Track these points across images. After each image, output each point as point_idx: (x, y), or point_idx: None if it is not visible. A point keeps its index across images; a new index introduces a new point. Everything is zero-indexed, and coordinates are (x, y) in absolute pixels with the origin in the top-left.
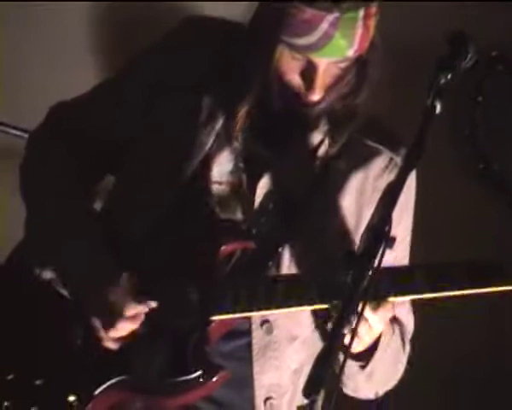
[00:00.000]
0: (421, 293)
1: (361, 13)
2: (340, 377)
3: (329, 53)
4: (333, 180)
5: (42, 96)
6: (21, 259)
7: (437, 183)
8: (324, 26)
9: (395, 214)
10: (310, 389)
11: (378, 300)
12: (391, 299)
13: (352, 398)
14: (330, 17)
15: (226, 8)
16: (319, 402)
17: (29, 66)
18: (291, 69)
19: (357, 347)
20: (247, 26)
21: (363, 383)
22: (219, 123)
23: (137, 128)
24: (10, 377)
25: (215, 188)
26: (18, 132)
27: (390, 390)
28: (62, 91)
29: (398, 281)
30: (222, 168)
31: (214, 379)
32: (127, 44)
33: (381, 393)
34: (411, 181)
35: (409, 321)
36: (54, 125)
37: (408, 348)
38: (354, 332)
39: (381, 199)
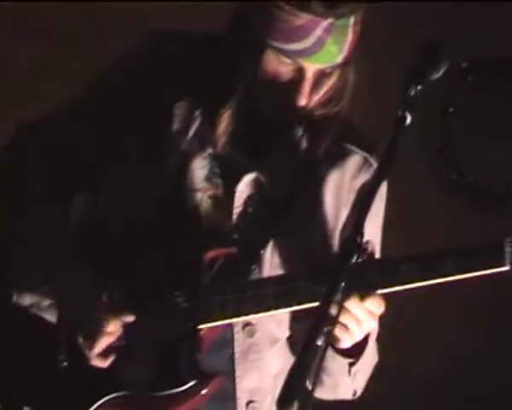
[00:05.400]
0: (409, 283)
1: (352, 19)
2: (315, 380)
3: (321, 59)
4: (311, 183)
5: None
6: None
7: (410, 193)
8: (318, 31)
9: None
10: (283, 402)
11: (364, 293)
12: (378, 292)
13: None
14: (324, 23)
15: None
16: None
17: None
18: (278, 74)
19: (347, 342)
20: (231, 28)
21: (346, 381)
22: (193, 129)
23: (109, 140)
24: None
25: (193, 195)
26: None
27: None
28: None
29: (383, 273)
30: (196, 175)
31: (205, 390)
32: None
33: (359, 393)
34: (382, 189)
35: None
36: (20, 143)
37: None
38: (332, 329)
39: (354, 207)
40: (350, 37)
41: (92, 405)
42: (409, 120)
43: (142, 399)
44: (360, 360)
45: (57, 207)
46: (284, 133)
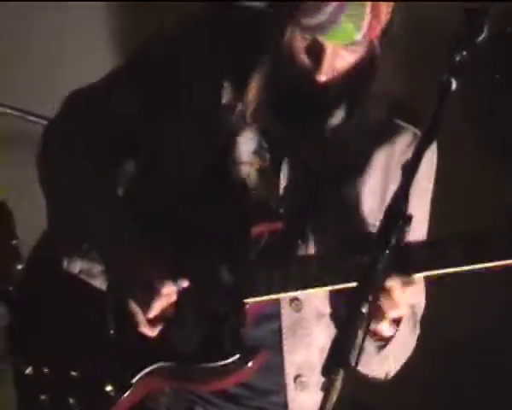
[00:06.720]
0: (456, 266)
1: None
2: (359, 354)
3: (337, 36)
4: (358, 158)
5: (61, 83)
6: (47, 251)
7: (455, 161)
8: (329, 8)
9: (415, 195)
10: (329, 369)
11: (410, 275)
12: (423, 274)
13: None
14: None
15: None
16: (338, 382)
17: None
18: (301, 49)
19: (382, 323)
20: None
21: (376, 364)
22: (240, 104)
23: (157, 112)
24: (46, 370)
25: (240, 169)
26: (33, 119)
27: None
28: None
29: (432, 255)
30: (245, 148)
31: (251, 363)
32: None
33: (391, 375)
34: (432, 162)
35: (421, 300)
36: (70, 112)
37: (418, 329)
38: (372, 308)
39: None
40: (368, 14)
41: (138, 373)
42: (454, 85)
43: (186, 370)
44: (390, 345)
45: (107, 174)
46: (319, 110)
